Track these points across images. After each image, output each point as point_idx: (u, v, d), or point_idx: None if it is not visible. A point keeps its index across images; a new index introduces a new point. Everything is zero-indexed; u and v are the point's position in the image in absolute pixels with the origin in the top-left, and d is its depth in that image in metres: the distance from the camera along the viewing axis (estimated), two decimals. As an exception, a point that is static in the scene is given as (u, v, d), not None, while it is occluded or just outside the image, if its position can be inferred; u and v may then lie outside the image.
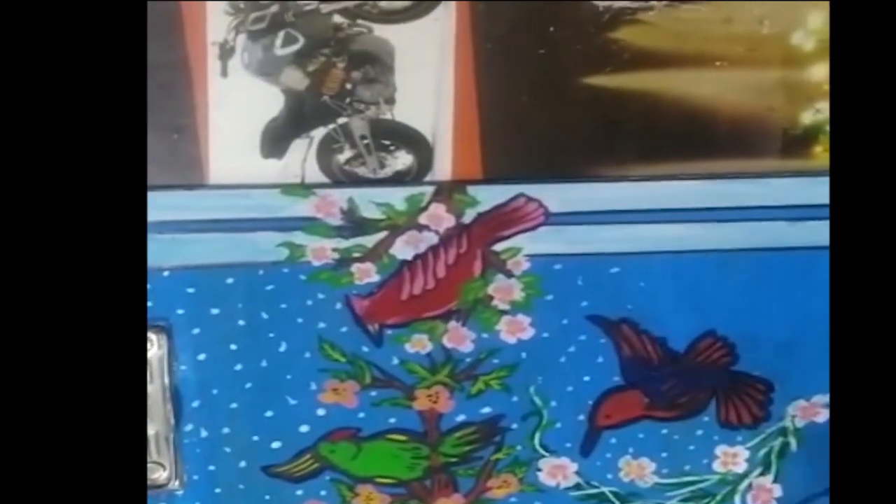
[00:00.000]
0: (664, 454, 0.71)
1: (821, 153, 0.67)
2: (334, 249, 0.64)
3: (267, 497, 0.69)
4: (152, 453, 0.65)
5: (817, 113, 0.66)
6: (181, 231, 0.62)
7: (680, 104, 0.65)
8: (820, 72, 0.65)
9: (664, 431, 0.70)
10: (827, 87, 0.65)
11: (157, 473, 0.65)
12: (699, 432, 0.71)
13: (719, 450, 0.71)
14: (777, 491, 0.72)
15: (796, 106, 0.66)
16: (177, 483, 0.66)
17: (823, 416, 0.71)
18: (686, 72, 0.65)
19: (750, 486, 0.72)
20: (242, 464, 0.68)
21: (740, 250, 0.66)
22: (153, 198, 0.60)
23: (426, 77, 0.62)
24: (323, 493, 0.69)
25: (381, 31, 0.61)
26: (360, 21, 0.61)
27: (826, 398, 0.70)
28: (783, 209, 0.66)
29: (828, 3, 0.63)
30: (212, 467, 0.68)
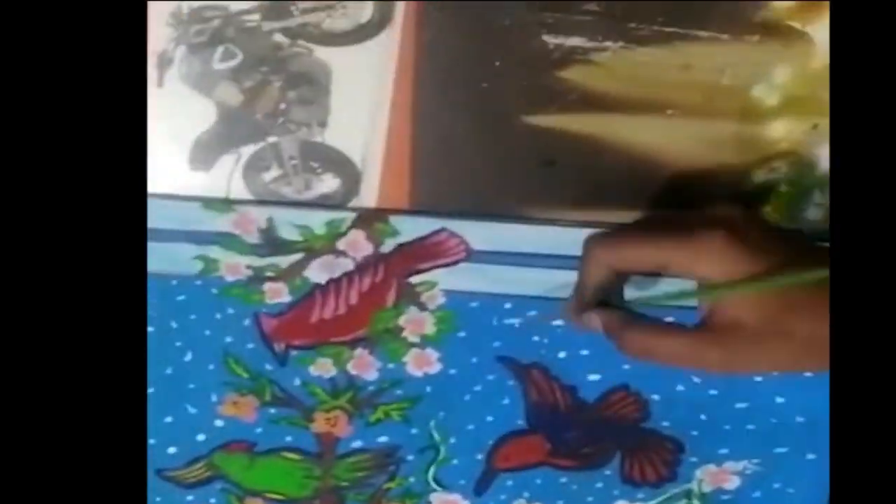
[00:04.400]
0: (560, 502, 0.87)
1: (770, 213, 0.79)
2: (248, 266, 0.79)
3: (158, 499, 0.86)
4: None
5: (771, 171, 0.79)
6: None
7: (625, 151, 0.78)
8: (779, 129, 0.77)
9: (563, 480, 0.87)
10: (785, 144, 0.78)
11: None
12: (599, 485, 0.87)
13: None
14: None
15: (751, 162, 0.78)
16: None
17: (732, 482, 0.87)
18: (636, 118, 0.77)
19: None
20: None
21: (661, 306, 0.78)
22: None
23: (362, 102, 0.76)
24: (212, 501, 0.86)
25: (322, 53, 0.75)
26: (300, 41, 0.75)
27: (737, 465, 0.86)
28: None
29: (793, 59, 0.75)
30: None
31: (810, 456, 0.87)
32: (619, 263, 0.71)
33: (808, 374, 0.80)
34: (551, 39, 0.76)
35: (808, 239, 0.71)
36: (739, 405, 0.85)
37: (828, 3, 0.75)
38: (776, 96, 0.77)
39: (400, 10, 0.75)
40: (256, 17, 0.75)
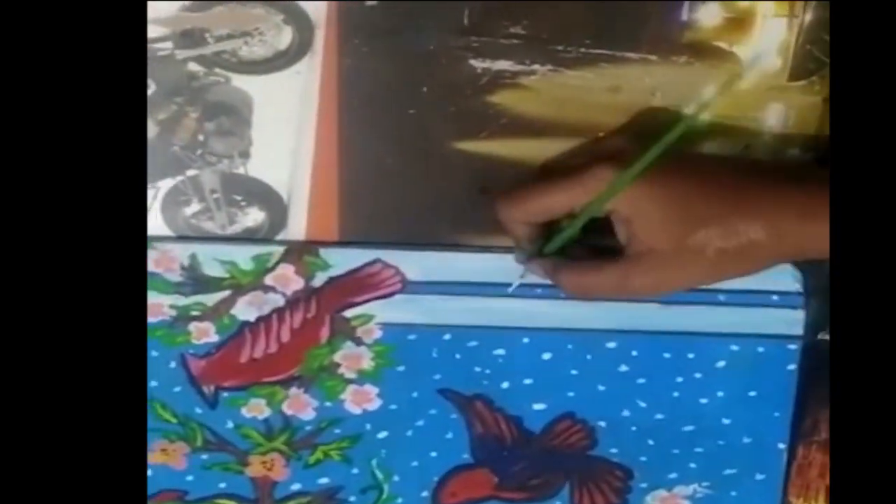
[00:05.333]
0: None
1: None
2: (172, 306, 0.75)
3: None
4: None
5: None
6: None
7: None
8: (712, 148, 0.75)
9: None
10: None
11: None
12: None
13: None
14: None
15: None
16: None
17: None
18: (566, 141, 0.75)
19: None
20: None
21: (605, 331, 0.78)
22: None
23: (285, 132, 0.73)
24: None
25: (240, 81, 0.72)
26: (217, 70, 0.71)
27: (687, 489, 0.83)
28: (654, 292, 0.80)
29: (721, 80, 0.74)
30: None
31: (759, 476, 0.84)
32: (532, 217, 0.73)
33: (751, 393, 0.81)
34: (478, 64, 0.74)
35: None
36: (686, 428, 0.82)
37: (754, 22, 0.74)
38: (706, 117, 0.75)
39: (320, 36, 0.72)
40: (169, 44, 0.71)
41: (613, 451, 0.82)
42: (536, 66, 0.74)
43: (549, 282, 0.74)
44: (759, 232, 0.67)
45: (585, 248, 0.72)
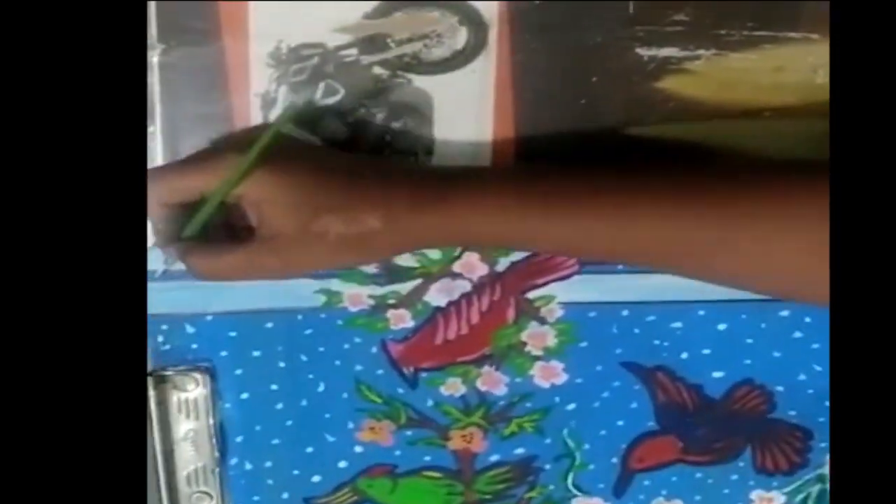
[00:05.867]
0: (698, 497, 0.86)
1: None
2: (370, 296, 0.79)
3: None
4: (200, 484, 0.82)
5: None
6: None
7: (728, 156, 0.76)
8: None
9: (698, 475, 0.85)
10: None
11: (205, 502, 0.82)
12: (734, 477, 0.85)
13: (755, 494, 0.86)
14: None
15: None
16: None
17: None
18: (734, 122, 0.76)
19: None
20: (285, 495, 0.85)
21: (777, 300, 0.80)
22: None
23: (464, 128, 0.76)
24: None
25: (421, 82, 0.75)
26: (399, 72, 0.75)
27: None
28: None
29: None
30: (256, 498, 0.85)
31: None
32: (165, 198, 0.72)
33: None
34: (645, 52, 0.75)
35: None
36: None
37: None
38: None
39: (493, 34, 0.74)
40: (354, 51, 0.75)
41: (792, 413, 0.84)
42: (701, 51, 0.75)
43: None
44: (375, 221, 0.69)
45: (222, 232, 0.73)
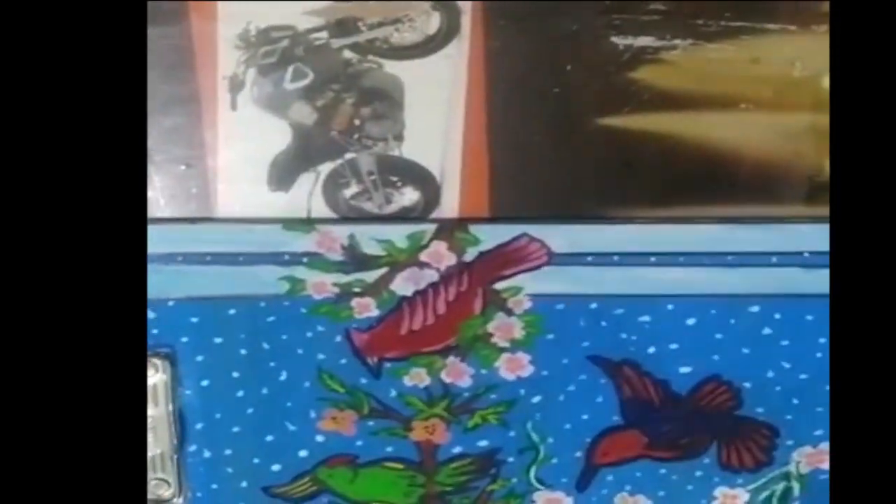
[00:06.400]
0: (661, 493, 0.85)
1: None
2: (334, 284, 0.78)
3: None
4: (158, 471, 0.80)
5: None
6: (186, 263, 0.76)
7: (700, 147, 0.77)
8: None
9: (663, 471, 0.84)
10: None
11: (163, 490, 0.81)
12: (699, 473, 0.84)
13: (719, 491, 0.85)
14: None
15: (825, 152, 0.77)
16: (180, 500, 0.82)
17: (829, 463, 0.84)
18: (708, 114, 0.76)
19: None
20: (244, 484, 0.83)
21: (749, 296, 0.79)
22: (160, 230, 0.75)
23: (436, 114, 0.75)
24: None
25: (392, 67, 0.74)
26: (370, 57, 0.74)
27: None
28: (797, 255, 0.78)
29: None
30: (214, 486, 0.83)
31: None
32: None
33: None
34: (620, 41, 0.76)
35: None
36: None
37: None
38: None
39: (467, 20, 0.74)
40: (324, 34, 0.74)
41: (759, 410, 0.83)
42: (677, 41, 0.75)
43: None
44: None
45: None
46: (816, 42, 0.74)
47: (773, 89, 0.76)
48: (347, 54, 0.74)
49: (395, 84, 0.75)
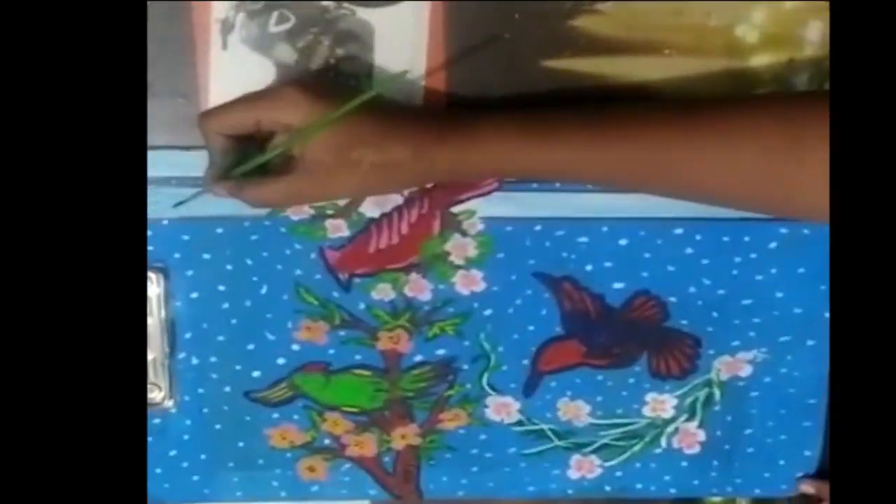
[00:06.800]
0: (599, 398, 0.92)
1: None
2: (311, 206, 0.85)
3: (247, 418, 0.90)
4: (150, 376, 0.86)
5: None
6: (180, 186, 0.82)
7: (629, 86, 0.84)
8: (761, 61, 0.84)
9: (599, 378, 0.92)
10: (766, 76, 0.84)
11: (154, 393, 0.87)
12: (631, 380, 0.92)
13: (649, 396, 0.92)
14: (701, 436, 0.94)
15: (738, 92, 0.84)
16: (171, 402, 0.88)
17: (746, 370, 0.92)
18: (638, 58, 0.83)
19: (676, 430, 0.93)
20: (227, 389, 0.89)
21: (673, 219, 0.86)
22: (157, 156, 0.81)
23: (402, 55, 0.82)
24: (295, 417, 0.91)
25: (363, 13, 0.81)
26: (345, 4, 0.80)
27: (748, 355, 0.91)
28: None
29: (769, 2, 0.82)
30: (201, 390, 0.89)
31: (810, 342, 0.91)
32: (224, 128, 0.79)
33: (801, 270, 0.88)
34: None
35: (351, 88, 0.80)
36: (745, 301, 0.90)
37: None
38: (756, 34, 0.84)
39: None
40: None
41: (684, 322, 0.90)
42: None
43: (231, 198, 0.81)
44: (404, 151, 0.77)
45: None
46: (729, -3, 0.83)
47: (692, 37, 0.83)
48: (325, 2, 0.80)
49: (366, 28, 0.81)
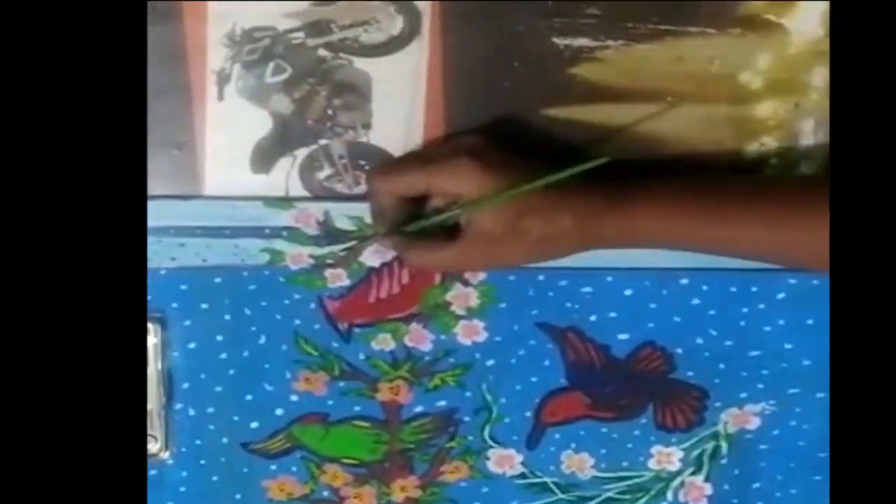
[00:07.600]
0: (603, 450, 0.90)
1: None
2: (310, 255, 0.84)
3: (245, 470, 0.89)
4: (147, 427, 0.85)
5: (762, 146, 0.83)
6: (178, 236, 0.82)
7: (632, 136, 0.82)
8: (766, 108, 0.82)
9: (604, 430, 0.90)
10: (772, 122, 0.82)
11: (150, 445, 0.86)
12: (636, 432, 0.90)
13: (654, 449, 0.91)
14: (708, 489, 0.92)
15: (742, 139, 0.83)
16: (167, 454, 0.87)
17: (753, 423, 0.90)
18: (639, 106, 0.82)
19: (682, 484, 0.92)
20: (224, 440, 0.88)
21: (678, 269, 0.85)
22: (154, 206, 0.80)
23: (400, 105, 0.81)
24: (294, 468, 0.90)
25: (361, 63, 0.80)
26: (341, 54, 0.80)
27: (756, 407, 0.89)
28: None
29: (772, 48, 0.80)
30: (198, 441, 0.88)
31: (819, 395, 0.90)
32: (394, 188, 0.79)
33: (809, 321, 0.86)
34: (560, 41, 0.80)
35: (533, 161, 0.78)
36: (753, 353, 0.89)
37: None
38: (760, 81, 0.82)
39: (426, 22, 0.79)
40: (301, 34, 0.80)
41: (690, 374, 0.89)
42: (610, 42, 0.80)
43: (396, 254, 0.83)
44: (568, 223, 0.75)
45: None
46: (732, 42, 0.80)
47: (695, 84, 0.81)
48: (322, 52, 0.79)
49: (363, 78, 0.80)
